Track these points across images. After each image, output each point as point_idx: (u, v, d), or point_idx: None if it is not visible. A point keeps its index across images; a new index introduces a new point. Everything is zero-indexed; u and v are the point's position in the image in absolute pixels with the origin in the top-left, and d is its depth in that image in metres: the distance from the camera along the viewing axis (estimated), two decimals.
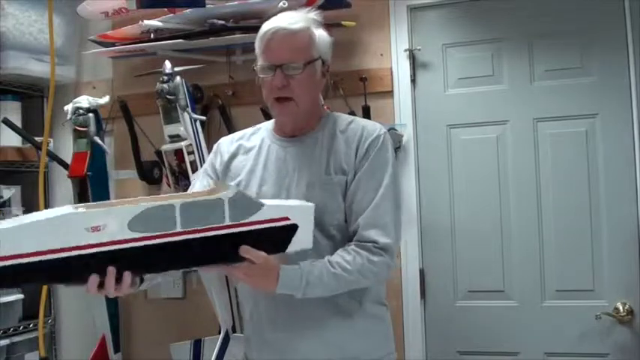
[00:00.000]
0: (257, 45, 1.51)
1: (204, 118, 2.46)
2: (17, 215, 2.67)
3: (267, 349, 1.53)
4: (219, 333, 2.29)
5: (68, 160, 2.59)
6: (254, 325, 1.56)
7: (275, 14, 1.55)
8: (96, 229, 1.15)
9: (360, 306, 1.53)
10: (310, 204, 1.37)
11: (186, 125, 2.33)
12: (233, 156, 1.60)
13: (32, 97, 2.81)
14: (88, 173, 2.49)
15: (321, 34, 1.52)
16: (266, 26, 1.49)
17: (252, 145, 1.60)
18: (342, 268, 1.43)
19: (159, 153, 2.46)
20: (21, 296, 2.62)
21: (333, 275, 1.42)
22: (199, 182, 1.62)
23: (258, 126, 1.68)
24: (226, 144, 1.64)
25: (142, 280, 1.33)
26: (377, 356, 1.56)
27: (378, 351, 1.57)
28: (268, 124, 1.65)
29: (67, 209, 1.17)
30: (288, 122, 1.55)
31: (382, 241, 1.46)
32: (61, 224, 1.13)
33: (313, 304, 1.46)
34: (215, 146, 1.66)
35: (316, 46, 1.50)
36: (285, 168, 1.53)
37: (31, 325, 2.61)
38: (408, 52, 2.48)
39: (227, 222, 1.25)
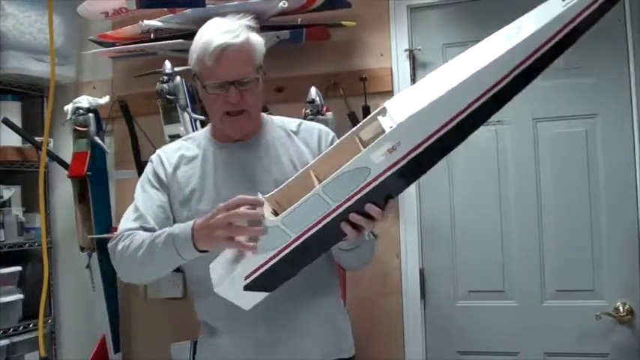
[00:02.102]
0: (200, 60, 1.47)
1: (204, 118, 2.45)
2: (17, 215, 2.68)
3: (258, 350, 1.50)
4: None
5: (68, 160, 2.59)
6: (239, 328, 1.52)
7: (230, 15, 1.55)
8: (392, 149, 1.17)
9: (335, 297, 1.61)
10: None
11: (186, 125, 2.33)
12: (176, 167, 1.58)
13: (32, 97, 2.81)
14: (88, 173, 2.50)
15: (257, 41, 1.52)
16: (209, 41, 1.45)
17: (193, 154, 1.59)
18: None
19: None
20: (21, 296, 2.63)
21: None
22: (149, 196, 1.55)
23: (190, 135, 1.70)
24: (167, 155, 1.60)
25: None
26: (350, 350, 1.62)
27: (350, 345, 1.63)
28: (203, 132, 1.65)
29: None
30: (237, 134, 1.56)
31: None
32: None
33: (304, 294, 1.49)
34: (154, 158, 1.61)
35: (257, 55, 1.51)
36: (241, 172, 1.54)
37: (31, 325, 2.60)
38: (408, 52, 2.48)
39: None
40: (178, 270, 2.58)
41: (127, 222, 1.52)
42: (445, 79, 1.21)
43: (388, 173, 1.19)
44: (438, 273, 2.46)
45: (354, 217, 1.25)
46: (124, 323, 2.68)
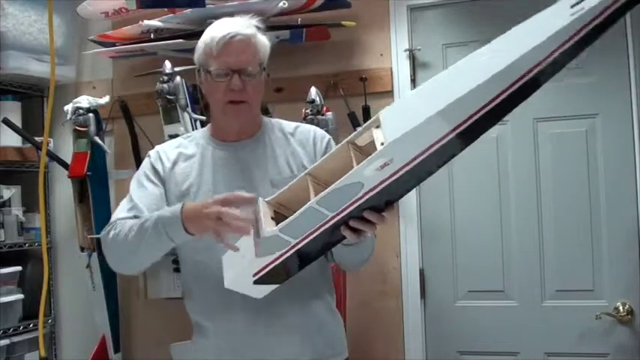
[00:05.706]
0: (207, 50, 1.52)
1: (204, 118, 2.45)
2: (17, 215, 2.68)
3: (247, 350, 1.51)
4: None
5: (68, 160, 2.59)
6: (228, 327, 1.53)
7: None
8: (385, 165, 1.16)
9: (327, 300, 1.60)
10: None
11: (186, 125, 2.33)
12: (174, 163, 1.60)
13: (32, 97, 2.81)
14: (88, 173, 2.50)
15: (263, 39, 1.56)
16: (218, 31, 1.50)
17: (191, 152, 1.61)
18: None
19: None
20: (21, 296, 2.63)
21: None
22: (144, 189, 1.57)
23: (189, 134, 1.72)
24: (165, 151, 1.63)
25: None
26: (343, 353, 1.63)
27: (342, 348, 1.64)
28: (202, 132, 1.67)
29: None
30: (237, 125, 1.59)
31: None
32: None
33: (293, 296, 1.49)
34: (153, 153, 1.64)
35: (262, 52, 1.55)
36: (238, 170, 1.56)
37: (31, 325, 2.60)
38: (408, 52, 2.48)
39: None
40: (178, 270, 2.63)
41: (119, 212, 1.55)
42: (443, 88, 1.17)
43: (382, 186, 1.18)
44: (438, 273, 2.46)
45: (354, 222, 1.25)
46: (124, 323, 2.68)
